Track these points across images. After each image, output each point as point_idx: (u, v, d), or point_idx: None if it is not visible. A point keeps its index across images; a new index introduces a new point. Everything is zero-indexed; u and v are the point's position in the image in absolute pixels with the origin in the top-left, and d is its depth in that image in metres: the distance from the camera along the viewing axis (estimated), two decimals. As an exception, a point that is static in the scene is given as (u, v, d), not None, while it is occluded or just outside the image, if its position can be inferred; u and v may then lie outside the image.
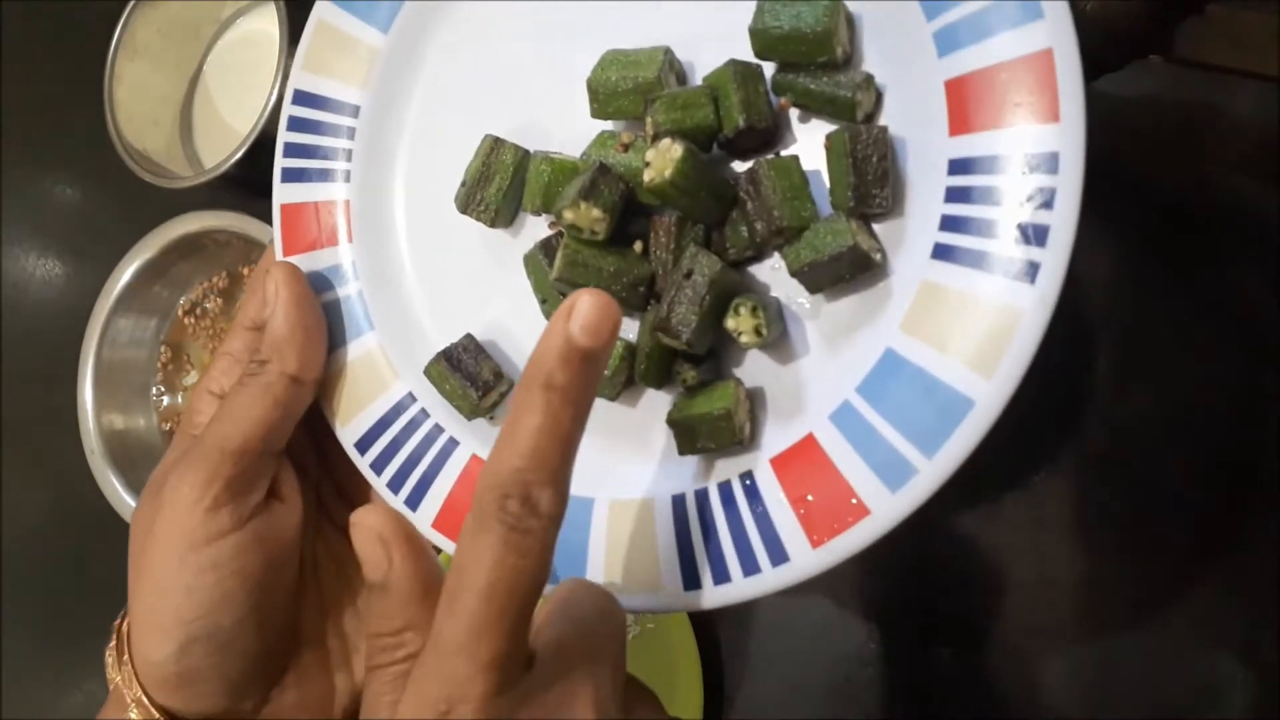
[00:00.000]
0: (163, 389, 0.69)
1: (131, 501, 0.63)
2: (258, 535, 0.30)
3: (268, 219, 0.62)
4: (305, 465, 0.35)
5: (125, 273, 0.65)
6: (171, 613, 0.29)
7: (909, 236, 0.26)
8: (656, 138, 0.28)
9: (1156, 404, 0.48)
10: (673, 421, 0.29)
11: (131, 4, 0.65)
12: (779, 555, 0.26)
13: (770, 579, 0.26)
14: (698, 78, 0.30)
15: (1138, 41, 0.40)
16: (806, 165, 0.28)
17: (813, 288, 0.28)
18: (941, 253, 0.25)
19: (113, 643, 0.32)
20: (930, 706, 0.47)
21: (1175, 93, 0.49)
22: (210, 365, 0.35)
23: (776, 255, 0.29)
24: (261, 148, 0.58)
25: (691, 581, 0.27)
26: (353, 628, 0.35)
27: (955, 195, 0.25)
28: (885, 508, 0.25)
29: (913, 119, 0.27)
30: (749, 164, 0.28)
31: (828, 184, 0.28)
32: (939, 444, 0.24)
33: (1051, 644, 0.46)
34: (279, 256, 0.36)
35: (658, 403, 0.30)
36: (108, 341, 0.66)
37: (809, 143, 0.28)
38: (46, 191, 0.79)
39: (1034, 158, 0.24)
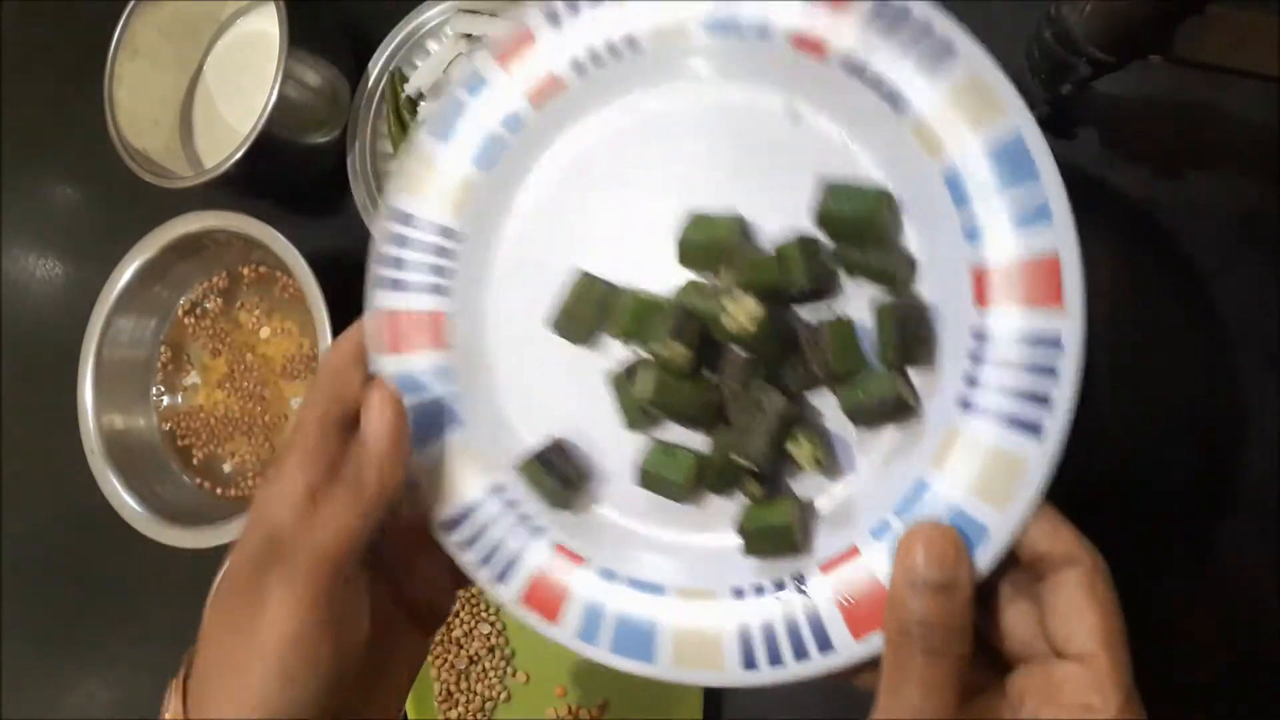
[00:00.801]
0: (163, 389, 0.69)
1: (131, 502, 0.63)
2: (351, 637, 0.33)
3: (268, 219, 0.62)
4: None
5: (125, 273, 0.65)
6: (268, 695, 0.31)
7: (940, 388, 0.32)
8: (734, 290, 0.34)
9: (1156, 404, 0.48)
10: (743, 530, 0.34)
11: (131, 4, 0.65)
12: (825, 644, 0.32)
13: (818, 664, 0.32)
14: (761, 235, 0.36)
15: (1138, 41, 0.41)
16: (855, 316, 0.34)
17: (860, 423, 0.34)
18: (965, 405, 0.31)
19: (171, 693, 0.34)
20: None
21: (1175, 93, 0.49)
22: (281, 461, 0.35)
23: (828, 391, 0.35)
24: (261, 148, 0.58)
25: (749, 663, 0.33)
26: (382, 700, 0.37)
27: (977, 357, 0.31)
28: None
29: (945, 288, 0.33)
30: (811, 318, 0.35)
31: (876, 342, 0.33)
32: None
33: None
34: (372, 360, 0.37)
35: (722, 507, 0.35)
36: (108, 341, 0.66)
37: (857, 297, 0.35)
38: (46, 191, 0.79)
39: (1043, 334, 0.30)
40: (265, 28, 0.67)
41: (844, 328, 0.34)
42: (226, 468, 0.67)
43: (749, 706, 0.53)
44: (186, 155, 0.68)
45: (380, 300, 0.38)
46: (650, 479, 0.35)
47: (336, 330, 0.57)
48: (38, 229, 0.79)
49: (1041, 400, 0.30)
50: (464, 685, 0.58)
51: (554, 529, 0.37)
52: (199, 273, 0.68)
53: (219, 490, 0.67)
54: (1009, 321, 0.31)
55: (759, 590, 0.33)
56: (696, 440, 0.36)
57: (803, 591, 0.33)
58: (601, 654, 0.34)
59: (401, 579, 0.37)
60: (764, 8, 0.35)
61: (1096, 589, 0.28)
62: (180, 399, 0.69)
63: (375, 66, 0.64)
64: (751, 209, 0.36)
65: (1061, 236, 0.30)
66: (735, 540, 0.34)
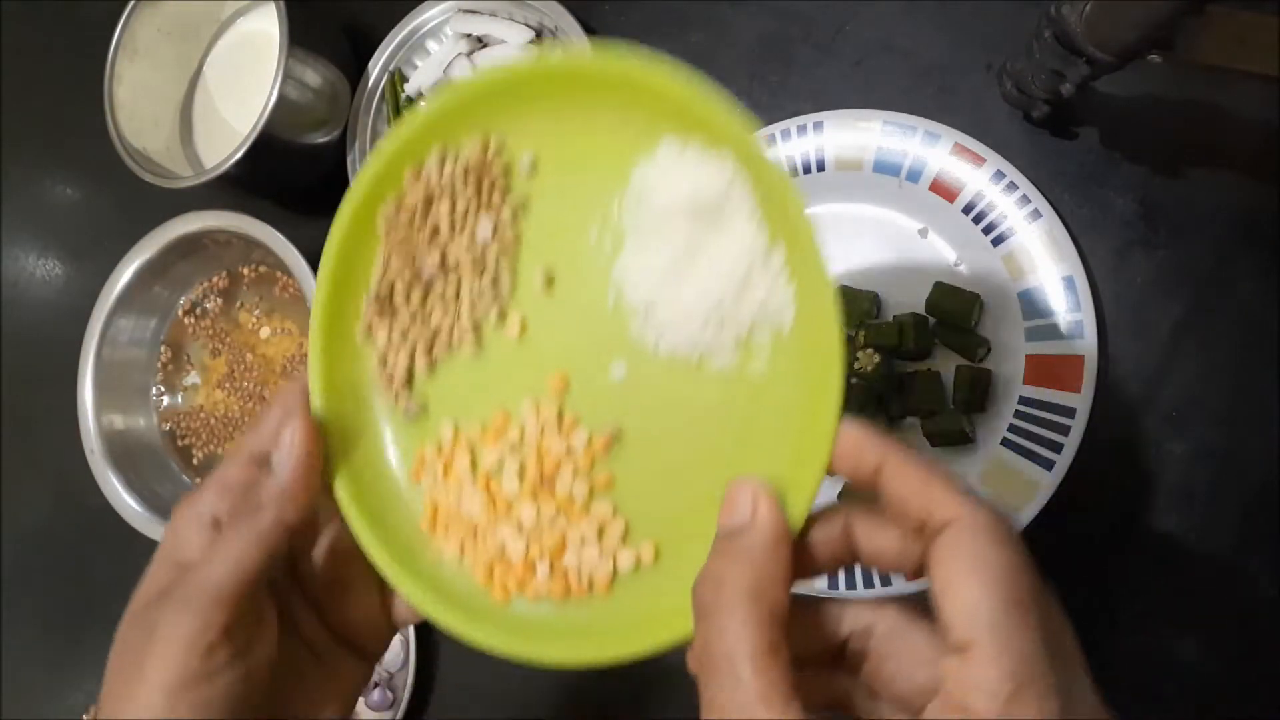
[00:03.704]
0: (163, 389, 0.69)
1: (132, 502, 0.63)
2: (245, 670, 0.31)
3: (268, 219, 0.62)
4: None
5: (125, 273, 0.65)
6: None
7: (991, 428, 0.49)
8: (865, 345, 0.50)
9: (1155, 403, 0.48)
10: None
11: (131, 4, 0.65)
12: (886, 581, 0.48)
13: (878, 592, 0.48)
14: (887, 309, 0.52)
15: (1138, 41, 0.40)
16: (942, 372, 0.50)
17: (933, 445, 0.50)
18: (1006, 444, 0.48)
19: None
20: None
21: (1175, 93, 0.49)
22: (201, 487, 0.34)
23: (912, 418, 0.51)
24: (261, 148, 0.58)
25: (832, 584, 0.48)
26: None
27: (1019, 415, 0.48)
28: None
29: (1006, 365, 0.49)
30: (913, 369, 0.51)
31: (952, 391, 0.50)
32: None
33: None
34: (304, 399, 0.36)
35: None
36: (108, 341, 0.66)
37: (945, 360, 0.51)
38: (46, 191, 0.79)
39: (1063, 409, 0.47)
40: (265, 28, 0.67)
41: (932, 378, 0.50)
42: (226, 468, 0.67)
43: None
44: (186, 155, 0.68)
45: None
46: None
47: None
48: (38, 229, 0.79)
49: (1055, 447, 0.46)
50: (414, 300, 0.36)
51: None
52: (199, 273, 0.68)
53: (219, 490, 0.67)
54: (1043, 394, 0.48)
55: None
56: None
57: None
58: None
59: (330, 604, 0.36)
60: (918, 156, 0.51)
61: (978, 554, 0.24)
62: (180, 399, 0.69)
63: (375, 66, 0.64)
64: (884, 291, 0.52)
65: (1088, 346, 0.47)
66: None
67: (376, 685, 0.59)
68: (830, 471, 0.28)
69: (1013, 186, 0.49)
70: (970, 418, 0.49)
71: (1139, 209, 0.49)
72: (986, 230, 0.50)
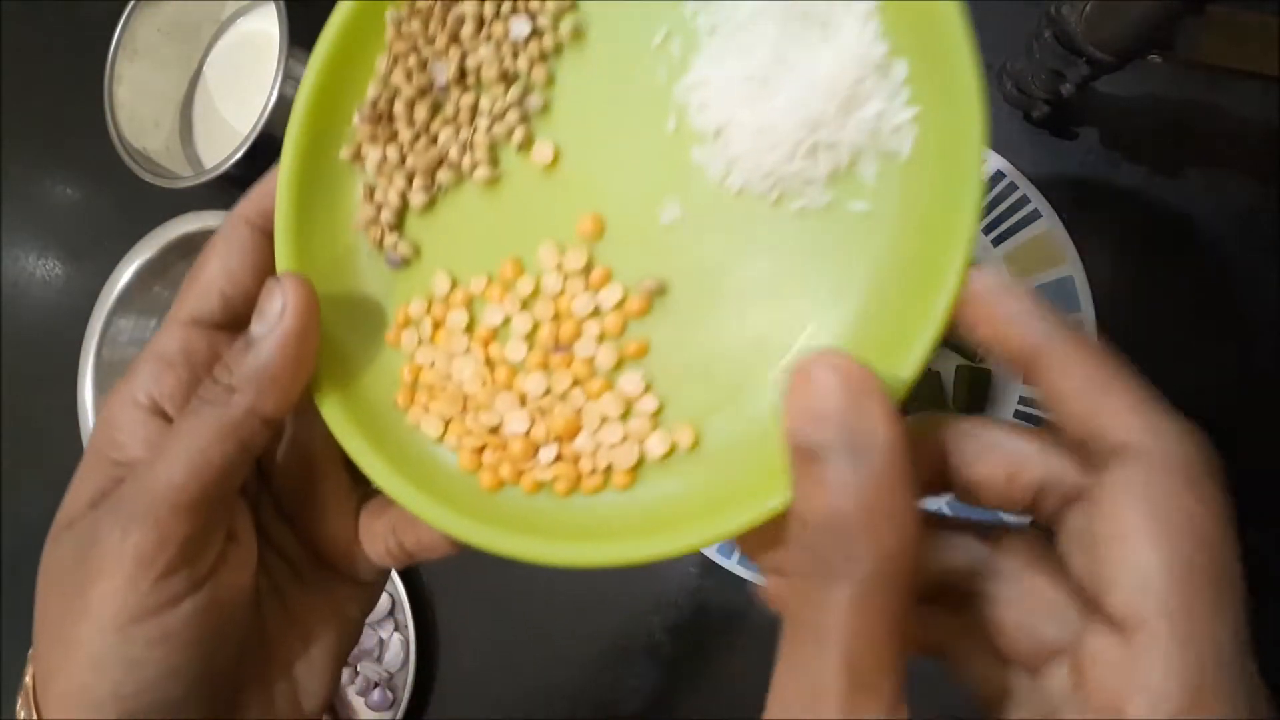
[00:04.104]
0: (163, 389, 0.69)
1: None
2: (213, 595, 0.25)
3: (268, 219, 0.62)
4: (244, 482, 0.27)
5: (125, 273, 0.65)
6: (109, 689, 0.24)
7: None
8: None
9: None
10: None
11: (131, 4, 0.65)
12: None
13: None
14: None
15: (1138, 41, 0.40)
16: (942, 371, 0.50)
17: None
18: None
19: (20, 704, 0.27)
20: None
21: (1175, 93, 0.49)
22: (133, 366, 0.27)
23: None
24: (261, 148, 0.58)
25: None
26: (302, 670, 0.29)
27: (1019, 415, 0.49)
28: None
29: (1003, 365, 0.52)
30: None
31: (952, 390, 0.50)
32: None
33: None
34: (282, 258, 0.28)
35: None
36: (108, 341, 0.66)
37: (946, 360, 0.51)
38: (46, 191, 0.79)
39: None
40: (265, 28, 0.67)
41: (932, 378, 0.50)
42: (226, 468, 0.67)
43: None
44: (186, 155, 0.68)
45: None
46: None
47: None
48: (38, 229, 0.79)
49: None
50: (419, 115, 0.29)
51: None
52: (199, 273, 0.68)
53: (219, 490, 0.67)
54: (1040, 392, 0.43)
55: None
56: None
57: None
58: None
59: (298, 514, 0.29)
60: None
61: (1164, 501, 0.18)
62: (180, 399, 0.69)
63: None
64: None
65: None
66: None
67: (376, 685, 0.59)
68: (966, 339, 0.25)
69: (1013, 187, 0.49)
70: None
71: (1139, 209, 0.49)
72: (987, 230, 0.50)
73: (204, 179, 0.60)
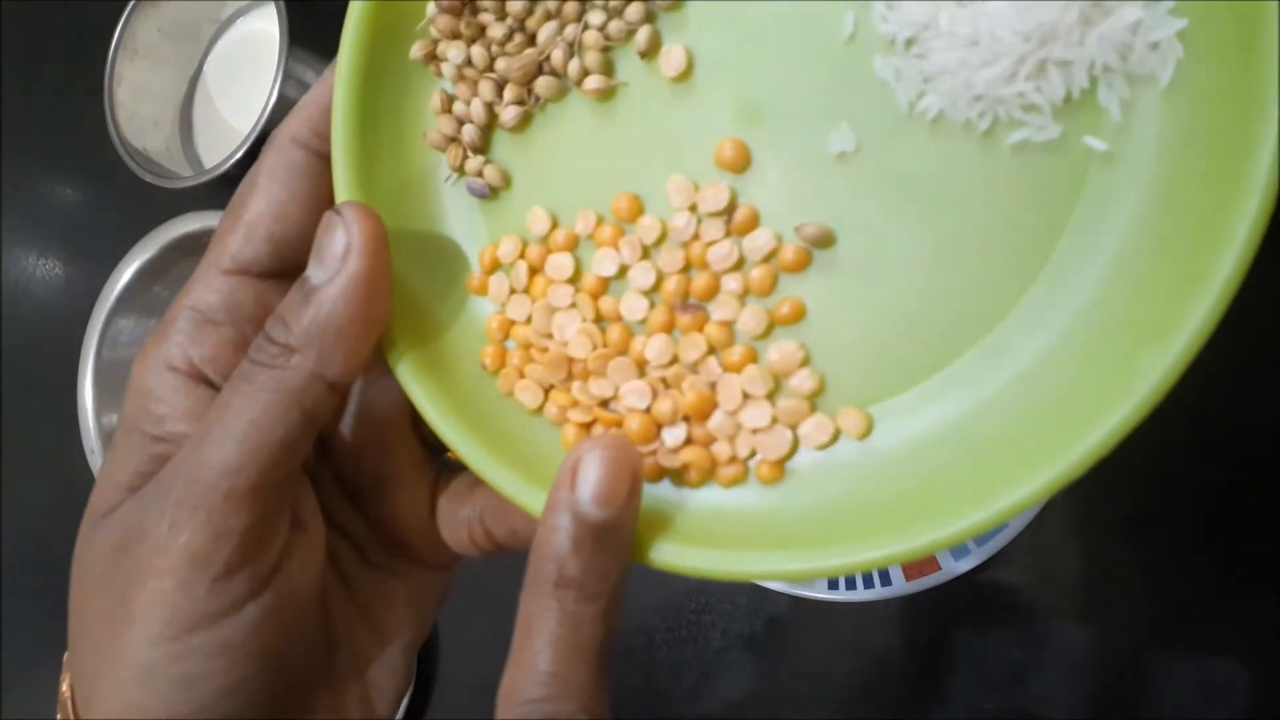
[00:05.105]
0: (163, 389, 0.69)
1: (131, 501, 0.63)
2: (279, 596, 0.21)
3: (268, 219, 0.62)
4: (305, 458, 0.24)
5: (125, 273, 0.65)
6: (162, 709, 0.20)
7: None
8: None
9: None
10: None
11: (131, 4, 0.65)
12: (885, 580, 0.45)
13: (878, 593, 0.45)
14: None
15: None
16: None
17: None
18: None
19: (60, 717, 0.24)
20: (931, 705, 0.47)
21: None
22: (164, 322, 0.23)
23: None
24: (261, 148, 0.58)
25: (833, 585, 0.46)
26: (374, 668, 0.25)
27: None
28: (950, 568, 0.44)
29: None
30: None
31: None
32: (985, 540, 0.44)
33: (1054, 636, 0.46)
34: (345, 188, 0.23)
35: None
36: (108, 341, 0.66)
37: None
38: (46, 191, 0.79)
39: None
40: (265, 28, 0.67)
41: None
42: (226, 468, 0.67)
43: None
44: (186, 155, 0.68)
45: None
46: None
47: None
48: (38, 229, 0.79)
49: None
50: (513, 5, 0.23)
51: None
52: (199, 273, 0.68)
53: (219, 490, 0.67)
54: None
55: None
56: None
57: None
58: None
59: (367, 493, 0.25)
60: None
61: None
62: (180, 399, 0.69)
63: (375, 66, 0.64)
64: None
65: None
66: None
67: (376, 685, 0.59)
68: None
69: None
70: None
71: (1139, 209, 0.49)
72: None
73: (204, 179, 0.60)
